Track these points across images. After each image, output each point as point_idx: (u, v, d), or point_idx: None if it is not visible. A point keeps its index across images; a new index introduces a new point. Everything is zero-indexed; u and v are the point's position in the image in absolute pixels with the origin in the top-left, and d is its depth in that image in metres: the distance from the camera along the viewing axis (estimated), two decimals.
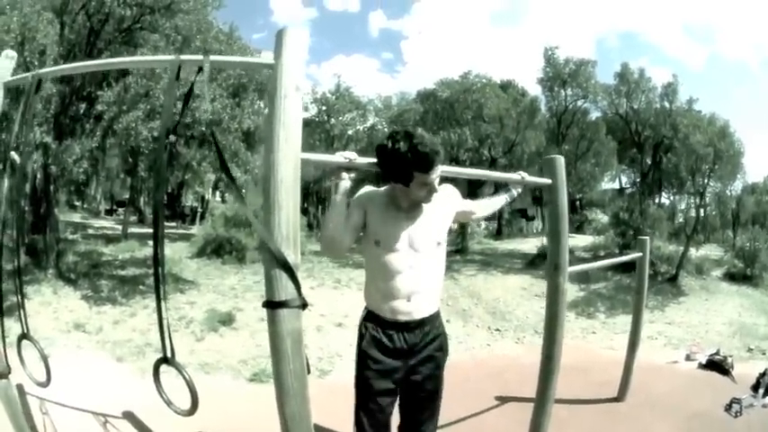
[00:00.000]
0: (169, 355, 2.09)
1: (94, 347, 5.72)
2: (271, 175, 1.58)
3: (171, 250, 11.43)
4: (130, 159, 14.84)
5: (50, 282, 8.04)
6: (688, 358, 6.21)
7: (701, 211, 17.67)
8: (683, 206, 22.72)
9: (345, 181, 1.88)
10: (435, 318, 2.06)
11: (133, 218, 20.05)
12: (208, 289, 9.15)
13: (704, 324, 10.89)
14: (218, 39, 9.27)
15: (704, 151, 15.32)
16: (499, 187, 2.62)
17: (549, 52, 18.34)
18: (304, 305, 1.66)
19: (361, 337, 2.02)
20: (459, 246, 24.58)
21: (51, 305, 7.17)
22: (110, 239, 13.06)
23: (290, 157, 1.60)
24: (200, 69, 1.65)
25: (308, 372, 1.69)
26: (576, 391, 4.26)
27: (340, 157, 1.86)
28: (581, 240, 18.15)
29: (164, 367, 2.06)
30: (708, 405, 4.15)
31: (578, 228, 27.64)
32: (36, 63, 7.18)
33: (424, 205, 1.98)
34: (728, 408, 3.96)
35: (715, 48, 74.87)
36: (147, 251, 11.37)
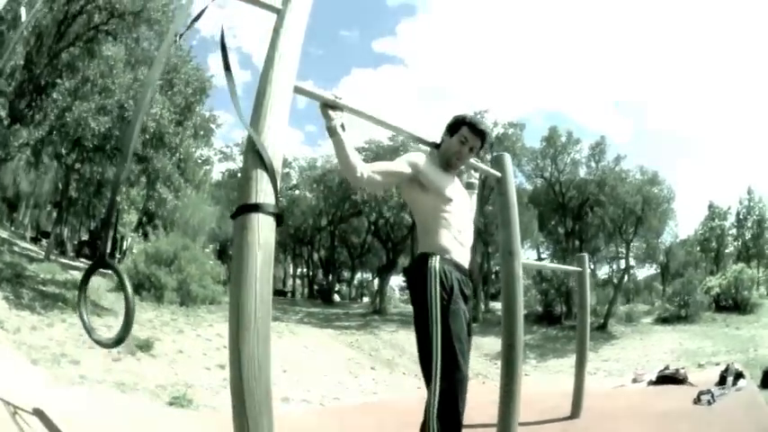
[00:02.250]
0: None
1: (11, 345, 5.24)
2: (267, 84, 1.54)
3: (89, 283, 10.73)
4: (60, 186, 14.26)
5: None
6: (635, 381, 5.92)
7: (628, 260, 18.33)
8: (604, 270, 23.97)
9: (339, 119, 1.91)
10: None
11: (55, 251, 18.85)
12: None
13: (644, 356, 11.07)
14: (177, 54, 9.91)
15: (632, 199, 16.08)
16: None
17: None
18: (280, 217, 1.50)
19: (445, 278, 2.04)
20: (377, 307, 24.42)
21: None
22: (33, 259, 12.48)
23: (284, 85, 1.58)
24: None
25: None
26: (526, 417, 3.97)
27: (330, 94, 1.91)
28: (499, 305, 18.97)
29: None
30: (674, 404, 3.93)
31: (494, 296, 28.58)
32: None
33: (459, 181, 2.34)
34: (697, 400, 3.80)
35: (643, 124, 76.99)
36: (68, 276, 10.92)
